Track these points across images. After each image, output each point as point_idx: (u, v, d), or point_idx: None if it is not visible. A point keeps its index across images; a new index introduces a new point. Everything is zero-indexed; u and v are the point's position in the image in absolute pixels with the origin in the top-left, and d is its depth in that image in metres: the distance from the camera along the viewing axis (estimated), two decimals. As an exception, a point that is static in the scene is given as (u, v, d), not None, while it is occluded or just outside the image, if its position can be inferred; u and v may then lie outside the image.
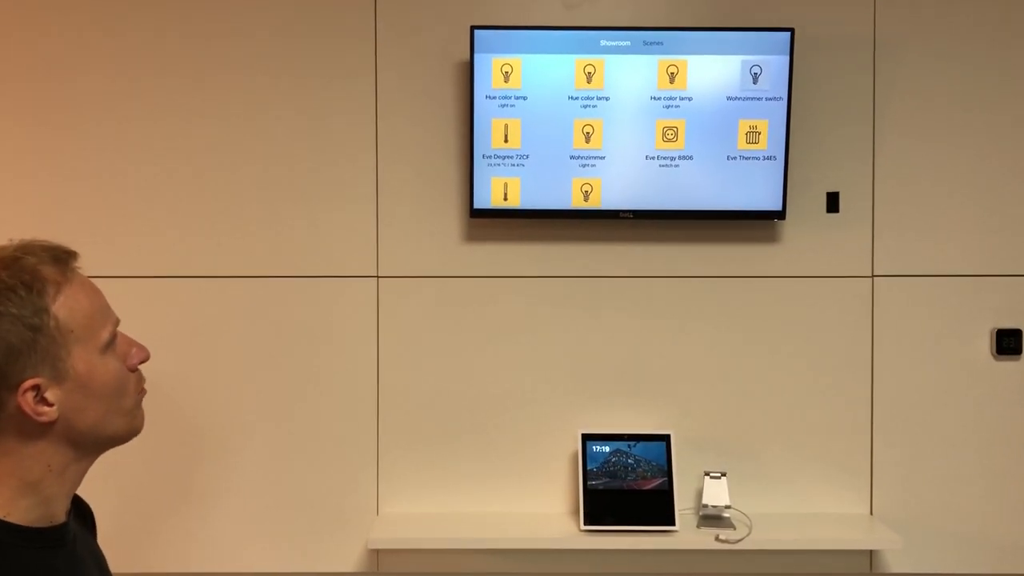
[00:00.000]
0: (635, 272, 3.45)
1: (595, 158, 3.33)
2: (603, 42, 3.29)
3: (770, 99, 3.31)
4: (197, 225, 3.40)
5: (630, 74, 3.31)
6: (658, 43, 3.29)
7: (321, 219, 3.42)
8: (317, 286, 3.42)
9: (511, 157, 3.33)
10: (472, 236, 3.44)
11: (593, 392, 3.44)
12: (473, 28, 3.29)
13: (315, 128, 3.41)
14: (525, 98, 3.32)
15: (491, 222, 3.43)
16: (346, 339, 3.41)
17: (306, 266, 3.42)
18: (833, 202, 3.45)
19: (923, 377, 3.43)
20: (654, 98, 3.32)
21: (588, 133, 3.32)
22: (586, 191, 3.34)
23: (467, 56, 3.31)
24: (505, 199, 3.34)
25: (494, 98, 3.31)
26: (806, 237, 3.45)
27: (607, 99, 3.32)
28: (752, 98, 3.32)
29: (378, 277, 3.43)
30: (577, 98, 3.31)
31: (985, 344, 3.42)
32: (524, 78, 3.31)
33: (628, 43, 3.29)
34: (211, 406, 3.39)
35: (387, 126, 3.41)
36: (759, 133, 3.33)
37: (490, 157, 3.33)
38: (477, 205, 3.35)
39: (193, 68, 3.38)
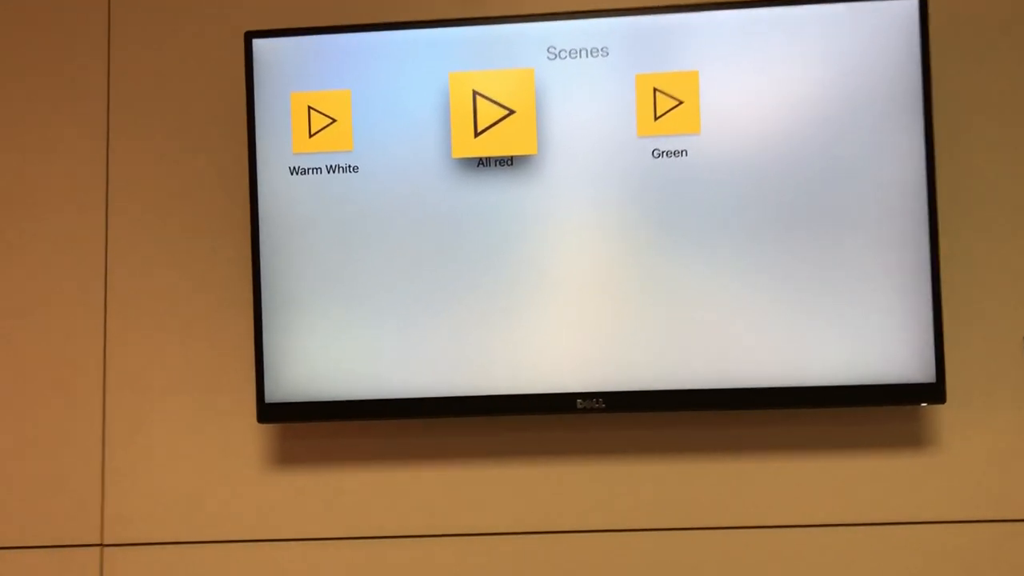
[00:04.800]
0: (614, 523, 1.62)
1: (513, 288, 1.55)
2: (521, 44, 1.57)
3: (881, 140, 1.52)
4: None
5: (579, 106, 1.55)
6: (635, 40, 1.55)
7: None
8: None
9: (338, 294, 1.58)
10: (273, 456, 1.66)
11: None
12: (250, 36, 1.60)
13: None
14: (356, 169, 1.58)
15: (307, 429, 1.65)
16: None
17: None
18: (1046, 354, 1.59)
19: None
20: (633, 151, 1.54)
21: (494, 235, 1.56)
22: (500, 360, 1.55)
23: (244, 95, 1.62)
24: (329, 382, 1.57)
25: (301, 171, 1.59)
26: (994, 434, 1.58)
27: (531, 158, 1.56)
28: (843, 142, 1.53)
29: (102, 546, 1.67)
30: (467, 165, 1.57)
31: None
32: (357, 129, 1.58)
33: (578, 46, 1.56)
34: None
35: (117, 240, 1.72)
36: (867, 215, 1.52)
37: (296, 296, 1.58)
38: (272, 397, 1.58)
39: None
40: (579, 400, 1.54)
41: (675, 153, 1.54)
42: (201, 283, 1.70)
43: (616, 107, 1.54)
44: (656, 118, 1.54)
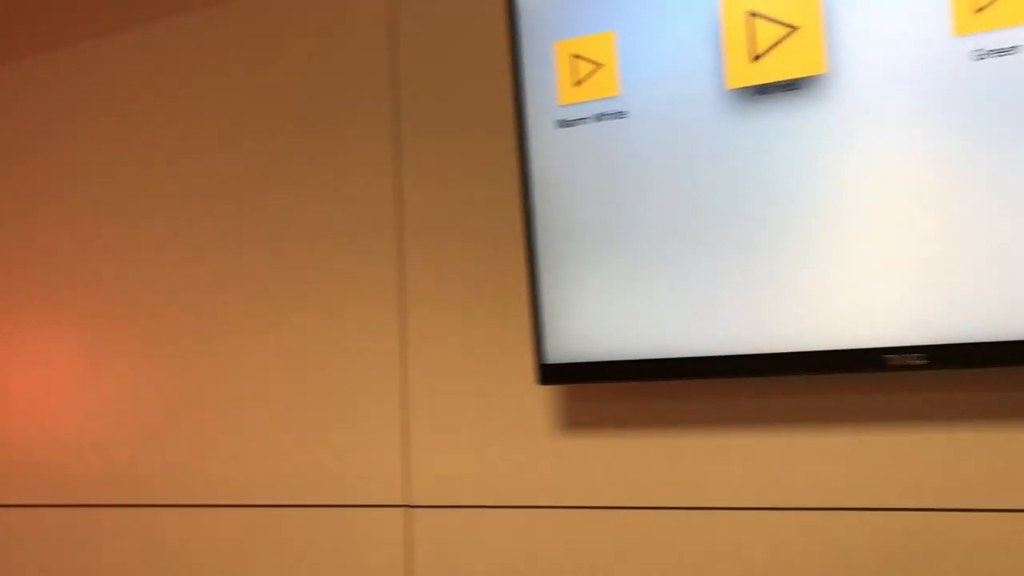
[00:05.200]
0: (939, 501, 1.37)
1: (807, 229, 1.37)
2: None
3: None
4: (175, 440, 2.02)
5: (876, 10, 1.33)
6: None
7: (316, 412, 1.84)
8: (310, 519, 1.83)
9: (614, 247, 1.49)
10: (559, 419, 1.62)
11: None
12: (511, -12, 1.57)
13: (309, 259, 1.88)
14: (624, 115, 1.48)
15: (591, 391, 1.58)
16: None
17: (291, 489, 1.85)
18: None
19: None
20: (947, 54, 1.29)
21: (781, 171, 1.38)
22: (795, 312, 1.38)
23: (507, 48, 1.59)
24: (610, 341, 1.49)
25: (568, 123, 1.52)
26: None
27: (820, 79, 1.36)
28: None
29: (408, 507, 1.75)
30: (745, 95, 1.40)
31: None
32: (624, 72, 1.48)
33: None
34: None
35: (413, 199, 1.78)
36: None
37: (571, 253, 1.52)
38: (552, 358, 1.53)
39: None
40: (890, 356, 1.31)
41: (1004, 51, 1.25)
42: (480, 245, 1.69)
43: (923, 4, 1.29)
44: (978, 11, 1.27)
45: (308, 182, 1.87)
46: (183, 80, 2.03)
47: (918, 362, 1.30)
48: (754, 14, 1.38)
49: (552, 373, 1.53)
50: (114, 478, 2.03)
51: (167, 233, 2.02)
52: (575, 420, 1.60)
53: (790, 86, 1.37)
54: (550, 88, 1.52)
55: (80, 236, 2.12)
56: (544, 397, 1.62)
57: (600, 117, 1.49)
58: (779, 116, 1.37)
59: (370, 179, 1.81)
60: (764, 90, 1.38)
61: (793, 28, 1.36)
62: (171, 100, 2.04)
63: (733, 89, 1.40)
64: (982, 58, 1.26)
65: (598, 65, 1.50)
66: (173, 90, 2.04)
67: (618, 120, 1.48)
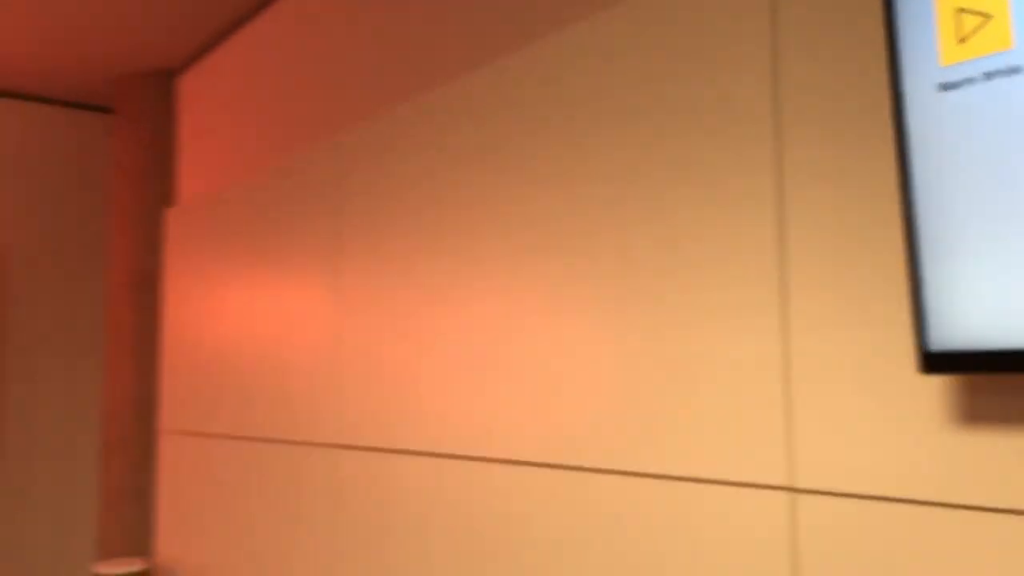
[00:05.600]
0: None
1: None
2: None
3: None
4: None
5: None
6: None
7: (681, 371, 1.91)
8: (693, 493, 1.92)
9: (1013, 220, 1.33)
10: (953, 411, 1.49)
11: None
12: (884, -54, 1.46)
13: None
14: (1020, 69, 1.31)
15: (987, 381, 1.43)
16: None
17: (678, 463, 1.95)
18: None
19: None
20: None
21: None
22: None
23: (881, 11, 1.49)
24: (1009, 327, 1.34)
25: (952, 85, 1.39)
26: None
27: None
28: None
29: (793, 490, 1.75)
30: None
31: None
32: (1018, 21, 1.31)
33: None
34: None
35: (795, 193, 1.75)
36: None
37: (959, 228, 1.39)
38: (937, 345, 1.42)
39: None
40: None
41: None
42: (861, 224, 1.60)
43: None
44: None
45: (690, 169, 1.91)
46: (594, 81, 2.19)
47: None
48: None
49: (936, 362, 1.41)
50: (522, 437, 2.28)
51: (558, 223, 2.20)
52: (970, 413, 1.45)
53: None
54: (930, 49, 1.39)
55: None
56: (933, 386, 1.50)
57: (990, 76, 1.33)
58: None
59: (750, 170, 1.80)
60: None
61: None
62: (568, 107, 2.21)
63: None
64: None
65: (987, 17, 1.33)
66: (591, 92, 2.21)
67: (1013, 77, 1.30)
